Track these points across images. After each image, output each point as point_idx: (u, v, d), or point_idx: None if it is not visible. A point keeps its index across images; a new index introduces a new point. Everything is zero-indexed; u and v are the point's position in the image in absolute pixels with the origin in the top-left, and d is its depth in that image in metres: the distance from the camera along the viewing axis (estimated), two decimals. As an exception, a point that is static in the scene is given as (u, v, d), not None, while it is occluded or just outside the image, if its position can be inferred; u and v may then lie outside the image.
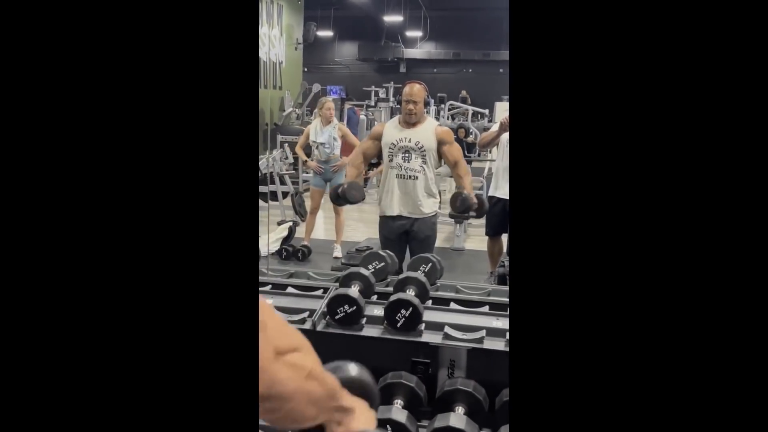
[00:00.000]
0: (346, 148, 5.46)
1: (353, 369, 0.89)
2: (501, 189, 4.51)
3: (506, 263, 4.42)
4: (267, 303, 0.69)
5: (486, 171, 7.76)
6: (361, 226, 6.86)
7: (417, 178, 3.44)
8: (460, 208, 3.35)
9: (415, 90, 3.40)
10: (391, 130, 3.49)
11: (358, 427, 0.81)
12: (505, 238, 4.67)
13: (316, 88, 11.14)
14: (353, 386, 0.84)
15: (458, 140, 8.88)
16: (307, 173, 8.33)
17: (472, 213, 3.48)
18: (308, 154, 5.92)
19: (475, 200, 3.33)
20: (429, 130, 3.44)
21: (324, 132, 5.53)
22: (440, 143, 3.43)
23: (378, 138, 3.52)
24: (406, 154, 3.43)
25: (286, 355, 0.70)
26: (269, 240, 5.33)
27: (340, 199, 3.41)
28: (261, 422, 0.71)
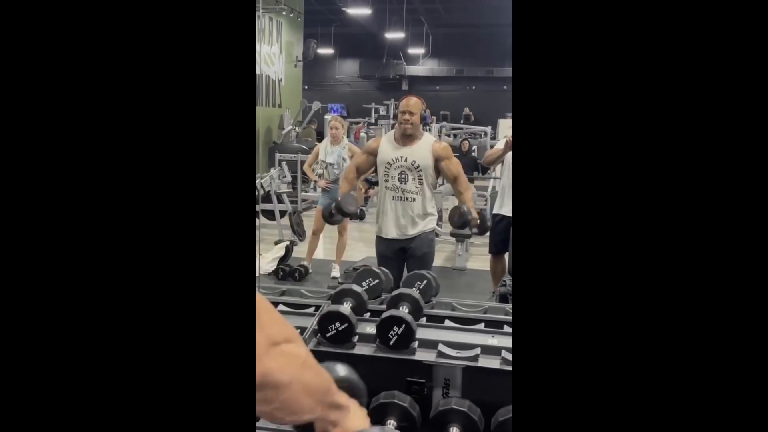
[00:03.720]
0: None
1: (342, 369, 0.90)
2: (505, 207, 4.48)
3: (508, 282, 4.37)
4: (261, 296, 0.68)
5: (490, 189, 7.73)
6: (360, 245, 6.79)
7: (414, 200, 3.37)
8: (458, 223, 3.19)
9: (412, 102, 3.34)
10: (387, 147, 3.41)
11: (354, 427, 0.80)
12: (508, 257, 4.62)
13: (317, 105, 11.18)
14: (342, 386, 0.84)
15: (461, 155, 8.90)
16: (307, 192, 8.31)
17: (474, 230, 3.28)
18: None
19: (475, 215, 3.18)
20: (425, 147, 3.36)
21: (333, 152, 5.46)
22: (437, 159, 3.35)
23: (373, 153, 3.45)
24: (402, 175, 3.36)
25: (280, 345, 0.69)
26: (264, 259, 5.28)
27: (333, 217, 3.21)
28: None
